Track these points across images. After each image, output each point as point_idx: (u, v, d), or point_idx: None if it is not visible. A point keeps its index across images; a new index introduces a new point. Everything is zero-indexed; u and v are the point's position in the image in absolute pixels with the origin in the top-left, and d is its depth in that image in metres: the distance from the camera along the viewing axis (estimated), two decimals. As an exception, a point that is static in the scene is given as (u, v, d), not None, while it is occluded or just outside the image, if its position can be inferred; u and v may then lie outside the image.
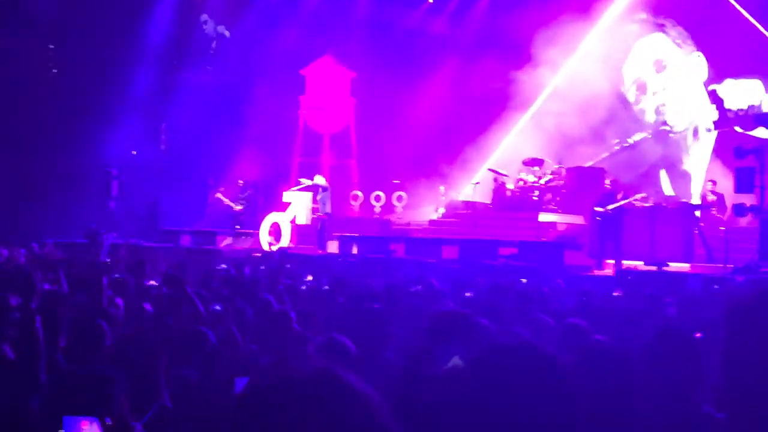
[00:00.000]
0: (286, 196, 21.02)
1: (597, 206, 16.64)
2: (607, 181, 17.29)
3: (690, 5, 21.92)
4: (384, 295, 7.72)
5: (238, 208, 21.78)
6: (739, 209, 14.90)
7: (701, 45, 22.28)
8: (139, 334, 5.25)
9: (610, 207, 16.36)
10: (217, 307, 6.16)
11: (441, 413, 1.66)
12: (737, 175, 15.12)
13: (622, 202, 16.50)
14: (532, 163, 20.88)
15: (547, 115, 22.83)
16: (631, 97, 23.25)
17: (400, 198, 24.72)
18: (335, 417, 1.43)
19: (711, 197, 18.91)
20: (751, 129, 19.28)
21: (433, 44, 24.64)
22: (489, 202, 21.58)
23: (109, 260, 13.85)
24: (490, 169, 21.83)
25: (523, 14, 22.57)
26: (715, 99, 21.63)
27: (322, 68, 26.50)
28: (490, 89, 22.98)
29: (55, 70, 25.07)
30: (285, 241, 20.11)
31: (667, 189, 21.86)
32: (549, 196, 20.45)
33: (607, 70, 22.77)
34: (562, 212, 20.27)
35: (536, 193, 20.39)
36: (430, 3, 25.87)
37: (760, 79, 21.05)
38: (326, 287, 9.78)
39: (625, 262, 15.74)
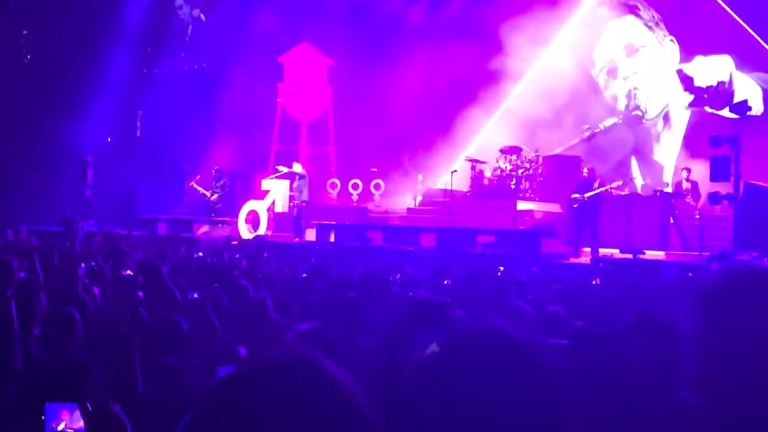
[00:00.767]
0: (264, 183, 20.96)
1: (574, 194, 16.72)
2: (585, 170, 17.35)
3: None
4: (361, 283, 7.71)
5: (213, 197, 21.70)
6: (714, 197, 15.00)
7: (673, 29, 22.36)
8: (113, 322, 5.22)
9: (587, 195, 16.44)
10: (195, 295, 6.13)
11: (417, 400, 1.66)
12: (712, 164, 15.21)
13: (599, 190, 16.58)
14: (510, 151, 20.91)
15: (524, 102, 22.90)
16: (601, 82, 23.21)
17: (377, 186, 24.70)
18: (314, 404, 1.42)
19: (686, 185, 19.04)
20: (722, 109, 19.42)
21: (411, 32, 24.59)
22: (467, 190, 21.61)
23: (83, 248, 13.74)
24: (468, 158, 21.84)
25: (500, 2, 22.60)
26: (684, 78, 21.72)
27: (299, 55, 26.38)
28: (467, 77, 22.99)
29: (29, 57, 24.82)
30: (262, 229, 20.06)
31: (638, 177, 21.94)
32: (526, 184, 20.51)
33: (582, 57, 22.87)
34: (539, 200, 20.35)
35: (513, 181, 20.44)
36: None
37: (730, 55, 21.13)
38: (304, 275, 9.76)
39: (602, 250, 15.84)
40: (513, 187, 20.38)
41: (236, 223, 20.48)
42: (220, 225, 20.99)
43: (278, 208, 20.58)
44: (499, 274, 9.94)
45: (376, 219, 22.45)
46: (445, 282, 8.25)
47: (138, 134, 26.31)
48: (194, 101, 24.74)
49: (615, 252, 15.47)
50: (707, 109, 20.82)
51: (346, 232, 18.67)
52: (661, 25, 22.50)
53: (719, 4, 21.17)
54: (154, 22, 25.86)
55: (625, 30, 23.04)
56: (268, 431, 1.39)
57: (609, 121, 21.89)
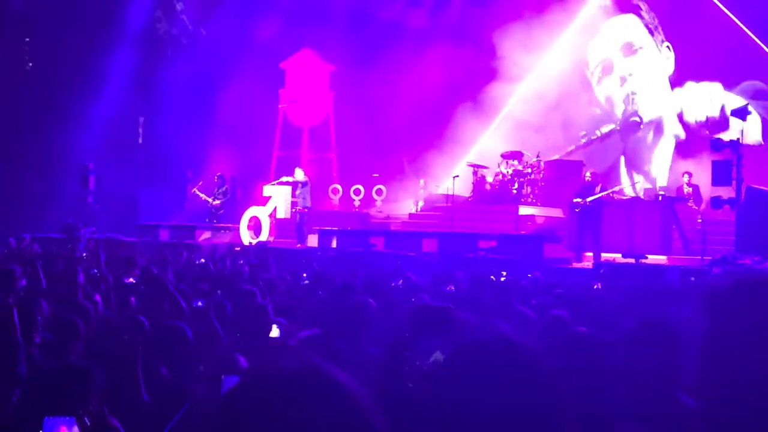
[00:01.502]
0: (266, 189, 20.96)
1: (576, 199, 16.71)
2: (588, 174, 17.34)
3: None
4: (363, 289, 7.71)
5: (216, 203, 21.70)
6: (716, 202, 14.98)
7: (670, 36, 22.29)
8: (115, 329, 5.22)
9: (589, 199, 16.43)
10: (200, 303, 6.13)
11: (423, 407, 1.66)
12: (714, 168, 15.19)
13: (601, 194, 16.57)
14: (511, 156, 20.91)
15: (525, 107, 22.92)
16: (594, 79, 23.11)
17: (379, 191, 24.71)
18: (320, 411, 1.43)
19: (687, 189, 19.03)
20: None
21: (412, 38, 24.61)
22: (468, 195, 21.61)
23: (86, 255, 13.75)
24: (469, 163, 21.84)
25: (501, 7, 22.64)
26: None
27: (301, 61, 26.41)
28: (468, 82, 23.02)
29: (31, 64, 24.86)
30: (264, 235, 20.05)
31: (627, 185, 21.76)
32: (528, 189, 20.50)
33: (582, 61, 22.87)
34: (541, 205, 20.35)
35: (515, 186, 20.43)
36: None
37: (720, 82, 20.94)
38: (306, 281, 9.76)
39: (604, 255, 15.82)
40: (515, 192, 20.37)
41: (238, 229, 20.48)
42: (222, 231, 20.98)
43: (280, 214, 20.57)
44: (501, 279, 9.94)
45: (378, 224, 22.46)
46: (448, 288, 8.24)
47: (140, 140, 26.35)
48: (196, 107, 24.76)
49: (617, 256, 15.44)
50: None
51: (349, 238, 18.66)
52: (660, 30, 22.41)
53: (721, 11, 21.02)
54: (156, 27, 25.93)
55: (625, 28, 22.94)
56: None
57: (606, 128, 21.78)
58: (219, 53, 25.47)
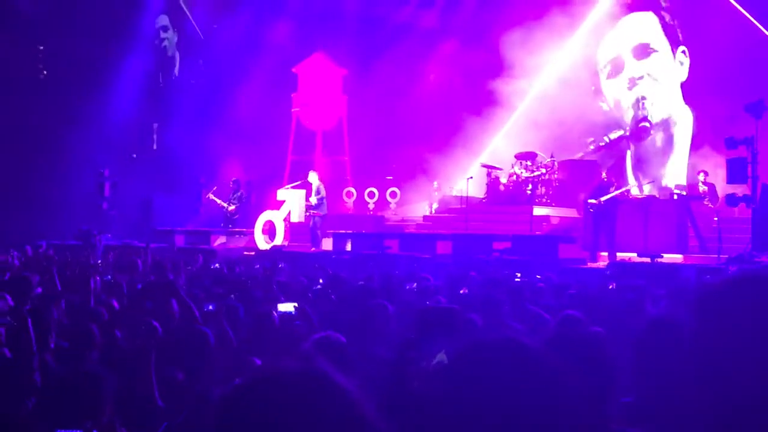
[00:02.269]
0: (280, 193, 21.00)
1: (590, 198, 16.65)
2: (603, 173, 17.28)
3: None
4: (378, 292, 7.71)
5: (231, 208, 21.76)
6: (732, 199, 14.92)
7: (688, 40, 21.89)
8: (128, 335, 5.24)
9: (603, 199, 16.37)
10: (210, 307, 6.15)
11: (427, 409, 1.66)
12: (729, 166, 15.13)
13: (615, 193, 16.51)
14: (525, 156, 20.87)
15: (538, 108, 22.85)
16: (603, 75, 22.90)
17: (393, 194, 24.71)
18: (320, 415, 1.43)
19: (702, 188, 18.93)
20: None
21: (424, 40, 24.62)
22: (482, 196, 21.58)
23: (101, 261, 13.81)
24: (483, 164, 21.82)
25: (512, 7, 22.59)
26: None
27: (313, 66, 26.45)
28: (481, 83, 22.98)
29: (45, 72, 25.02)
30: (279, 239, 20.09)
31: (632, 181, 21.60)
32: (542, 189, 20.45)
33: (595, 61, 22.79)
34: (555, 205, 20.30)
35: (529, 186, 20.39)
36: (421, -2, 25.87)
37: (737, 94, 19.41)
38: (320, 285, 9.77)
39: (619, 254, 15.76)
40: (529, 192, 20.33)
41: (253, 233, 20.52)
42: (237, 236, 21.03)
43: (294, 218, 20.59)
44: (516, 280, 9.91)
45: (393, 227, 22.47)
46: (462, 291, 8.23)
47: (154, 146, 26.46)
48: (209, 113, 24.87)
49: (633, 256, 15.38)
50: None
51: (363, 241, 18.66)
52: (679, 32, 22.02)
53: (743, 17, 20.57)
54: (172, 29, 26.11)
55: (642, 27, 22.53)
56: None
57: (615, 134, 21.45)
58: (232, 58, 25.56)
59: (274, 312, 5.92)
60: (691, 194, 18.78)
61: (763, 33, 20.31)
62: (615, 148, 21.50)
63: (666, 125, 22.05)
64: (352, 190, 25.28)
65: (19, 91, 23.60)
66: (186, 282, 8.00)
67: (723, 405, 1.68)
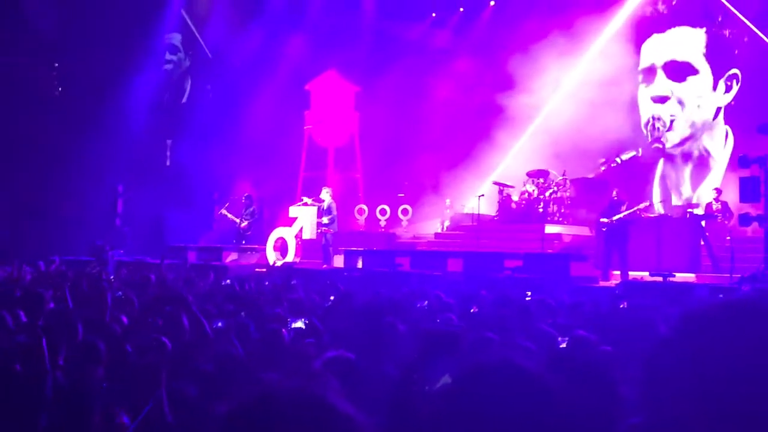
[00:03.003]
0: (292, 210, 21.06)
1: (602, 217, 16.61)
2: (614, 192, 17.24)
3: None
4: (389, 310, 7.70)
5: (244, 224, 21.82)
6: (745, 219, 14.87)
7: (742, 61, 21.10)
8: (140, 351, 5.26)
9: (616, 217, 16.34)
10: (219, 324, 6.16)
11: (430, 430, 1.67)
12: (742, 185, 15.08)
13: (627, 212, 16.47)
14: (537, 174, 20.87)
15: (551, 126, 22.83)
16: (639, 77, 22.64)
17: (405, 211, 24.74)
18: None
19: (716, 206, 18.85)
20: None
21: (436, 58, 24.71)
22: (494, 214, 21.57)
23: (113, 277, 13.86)
24: (495, 182, 21.82)
25: (526, 26, 22.64)
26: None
27: (326, 83, 26.57)
28: (493, 101, 23.01)
29: (60, 89, 25.21)
30: (291, 256, 20.12)
31: (656, 197, 21.50)
32: (554, 207, 20.42)
33: (610, 78, 22.69)
34: (567, 224, 20.26)
35: (541, 204, 20.37)
36: (434, 16, 25.97)
37: None
38: (331, 302, 9.76)
39: (632, 273, 15.70)
40: (541, 210, 20.31)
41: (265, 250, 20.57)
42: (249, 252, 21.07)
43: (306, 235, 20.64)
44: (527, 299, 9.89)
45: (404, 244, 22.48)
46: (472, 310, 8.21)
47: (167, 163, 26.59)
48: (222, 129, 24.99)
49: (645, 275, 15.32)
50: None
51: (374, 258, 18.67)
52: (735, 53, 21.11)
53: None
54: (188, 44, 26.30)
55: (685, 44, 21.92)
56: None
57: (627, 155, 21.20)
58: (245, 75, 25.70)
59: (284, 329, 5.92)
60: (705, 213, 18.70)
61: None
62: (629, 170, 21.30)
63: (690, 150, 21.78)
64: (364, 207, 25.32)
65: (35, 107, 23.80)
66: (196, 298, 8.01)
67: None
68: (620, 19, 22.99)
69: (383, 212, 24.94)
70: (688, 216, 18.41)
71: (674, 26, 22.29)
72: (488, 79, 23.17)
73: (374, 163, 25.61)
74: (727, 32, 21.27)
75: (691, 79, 21.82)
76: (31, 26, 23.00)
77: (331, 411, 1.47)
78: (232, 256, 20.85)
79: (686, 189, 21.71)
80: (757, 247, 15.34)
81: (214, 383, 4.69)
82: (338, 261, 19.53)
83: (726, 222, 18.29)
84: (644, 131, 22.26)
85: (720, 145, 21.29)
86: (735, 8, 20.85)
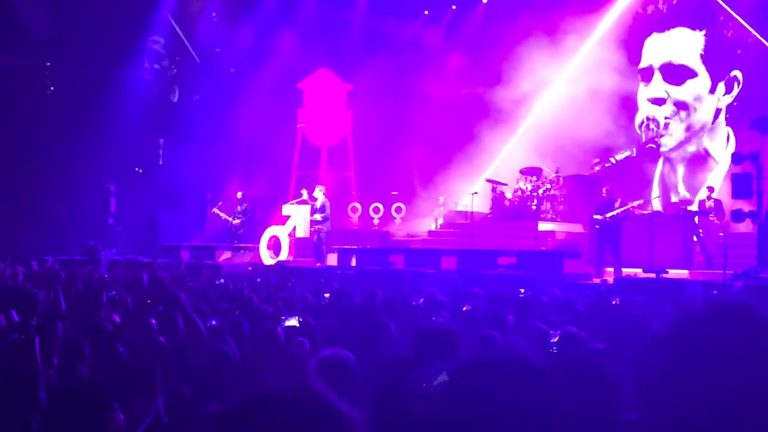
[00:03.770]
0: (285, 209, 21.04)
1: (595, 214, 16.64)
2: (604, 190, 17.26)
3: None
4: (383, 308, 7.71)
5: (236, 222, 21.78)
6: (737, 215, 14.90)
7: (739, 63, 21.07)
8: (135, 351, 5.25)
9: (609, 215, 16.36)
10: (213, 322, 6.16)
11: (428, 429, 1.67)
12: (734, 181, 15.14)
13: (620, 209, 16.49)
14: (530, 172, 20.89)
15: (544, 123, 22.87)
16: (639, 75, 22.70)
17: (398, 209, 24.74)
18: None
19: (709, 203, 18.90)
20: None
21: (429, 56, 24.69)
22: (488, 212, 21.59)
23: (106, 276, 13.83)
24: (488, 180, 21.84)
25: (519, 24, 22.64)
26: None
27: (318, 81, 26.53)
28: (486, 99, 23.03)
29: (52, 88, 25.14)
30: (284, 255, 20.10)
31: (655, 192, 21.54)
32: (547, 204, 20.45)
33: (605, 76, 22.71)
34: (560, 221, 20.29)
35: (534, 202, 20.39)
36: (427, 14, 25.95)
37: None
38: (325, 300, 9.78)
39: (625, 270, 15.73)
40: (534, 208, 20.33)
41: (258, 249, 20.55)
42: (242, 251, 21.06)
43: (299, 234, 20.62)
44: (520, 295, 9.90)
45: (398, 242, 22.49)
46: (465, 308, 8.23)
47: (160, 162, 26.53)
48: (215, 128, 24.94)
49: (638, 271, 15.34)
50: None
51: (368, 256, 18.67)
52: (735, 57, 21.11)
53: None
54: (176, 50, 26.22)
55: (684, 46, 21.89)
56: None
57: (621, 155, 21.12)
58: (237, 74, 25.67)
59: (279, 327, 5.92)
60: (698, 210, 18.74)
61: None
62: (623, 169, 21.24)
63: (688, 152, 21.74)
64: (357, 205, 25.32)
65: (27, 107, 23.73)
66: (190, 297, 8.01)
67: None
68: (612, 17, 23.01)
69: (377, 210, 24.94)
70: (680, 213, 18.44)
71: (674, 27, 22.26)
72: (481, 77, 23.19)
73: (367, 161, 25.59)
74: (729, 33, 21.27)
75: (689, 82, 21.78)
76: (23, 26, 22.92)
77: (329, 409, 1.47)
78: (226, 255, 20.83)
79: (683, 190, 21.69)
80: (750, 244, 15.37)
81: (208, 382, 4.68)
82: (332, 259, 19.52)
83: (717, 221, 18.33)
84: (638, 131, 22.27)
85: (721, 146, 21.29)
86: (734, 11, 20.85)
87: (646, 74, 22.49)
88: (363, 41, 25.21)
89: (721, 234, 17.30)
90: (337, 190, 24.69)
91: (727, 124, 21.30)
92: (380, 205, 24.93)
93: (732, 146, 20.91)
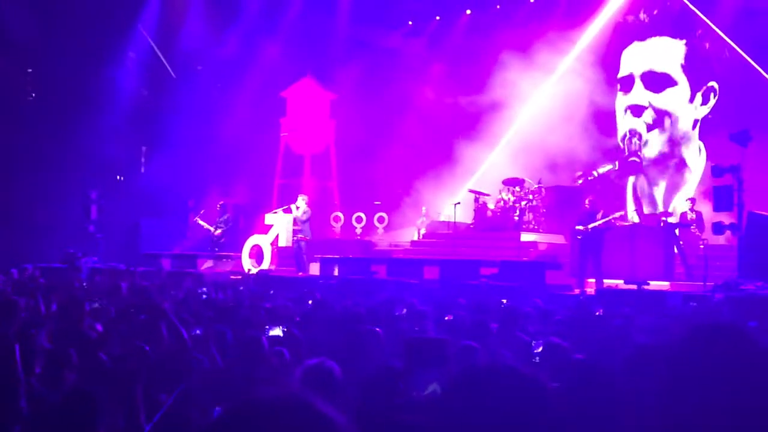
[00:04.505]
0: (268, 218, 20.99)
1: (577, 225, 16.69)
2: (587, 201, 17.32)
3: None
4: (366, 318, 7.70)
5: (218, 232, 21.71)
6: (718, 227, 14.98)
7: (716, 74, 21.15)
8: (117, 359, 5.22)
9: (591, 226, 16.41)
10: (197, 331, 6.13)
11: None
12: (715, 194, 15.22)
13: (602, 221, 16.55)
14: (512, 182, 20.94)
15: (526, 134, 22.95)
16: (618, 85, 22.85)
17: (381, 219, 24.75)
18: None
19: (690, 215, 19.00)
20: None
21: (412, 66, 24.75)
22: (470, 222, 21.62)
23: (86, 284, 13.75)
24: (470, 190, 21.89)
25: (502, 34, 22.76)
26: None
27: (302, 90, 26.55)
28: (469, 109, 23.10)
29: (34, 95, 25.01)
30: (266, 264, 20.05)
31: (630, 206, 21.66)
32: (529, 215, 20.50)
33: (587, 87, 22.85)
34: (542, 232, 20.34)
35: (517, 212, 20.44)
36: (410, 25, 26.03)
37: None
38: (308, 310, 9.74)
39: (606, 281, 15.78)
40: (516, 218, 20.38)
41: (240, 257, 20.49)
42: (224, 260, 20.98)
43: (282, 243, 20.58)
44: (502, 306, 9.91)
45: (380, 252, 22.47)
46: (446, 318, 8.23)
47: (142, 170, 26.43)
48: (197, 136, 24.87)
49: (619, 283, 15.40)
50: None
51: (351, 266, 18.65)
52: (711, 67, 21.15)
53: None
54: (158, 56, 26.17)
55: (664, 55, 21.94)
56: None
57: (603, 168, 21.08)
58: (220, 83, 25.63)
59: (263, 336, 5.90)
60: (679, 222, 18.84)
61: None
62: (604, 182, 21.29)
63: (666, 162, 21.92)
64: (340, 214, 25.31)
65: (7, 113, 23.58)
66: (172, 306, 7.97)
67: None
68: (594, 30, 23.14)
69: (359, 220, 24.94)
70: (662, 225, 18.53)
71: (655, 35, 22.38)
72: (464, 87, 23.28)
73: (350, 170, 25.60)
74: (706, 45, 21.42)
75: (669, 90, 21.88)
76: (3, 32, 22.78)
77: (319, 416, 1.47)
78: (207, 264, 20.74)
79: (660, 199, 21.81)
80: (731, 255, 15.47)
81: (192, 392, 4.66)
82: (314, 269, 19.49)
83: (698, 233, 18.44)
84: (621, 144, 22.38)
85: (695, 155, 21.46)
86: (713, 22, 21.00)
87: (627, 83, 22.59)
88: (346, 51, 25.26)
89: (702, 245, 17.40)
90: (319, 199, 24.67)
91: (700, 137, 21.47)
92: (363, 215, 24.93)
93: (704, 157, 21.12)
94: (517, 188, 20.79)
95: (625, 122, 22.45)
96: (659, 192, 21.94)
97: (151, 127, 25.70)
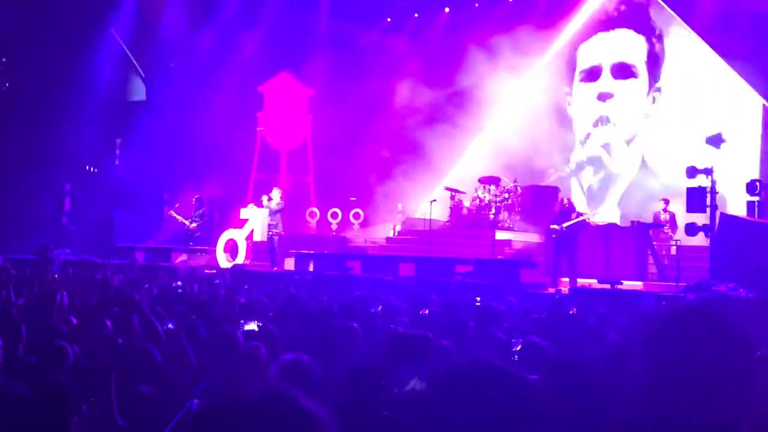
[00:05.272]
0: (243, 212, 20.90)
1: (553, 224, 16.78)
2: (565, 200, 17.42)
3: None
4: (340, 313, 7.69)
5: (193, 225, 21.59)
6: (691, 228, 15.12)
7: (665, 76, 21.76)
8: (90, 353, 5.17)
9: (566, 225, 16.50)
10: (170, 325, 6.09)
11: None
12: (689, 195, 15.36)
13: (577, 220, 16.65)
14: (488, 181, 21.00)
15: (502, 132, 23.04)
16: (578, 76, 22.91)
17: (357, 215, 24.72)
18: None
19: (664, 216, 19.15)
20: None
21: (390, 62, 24.72)
22: (446, 220, 21.66)
23: (58, 276, 13.62)
24: (446, 188, 21.92)
25: (480, 32, 22.81)
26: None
27: (279, 85, 26.47)
28: (446, 106, 23.13)
29: (7, 85, 24.75)
30: (241, 258, 19.97)
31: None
32: (505, 214, 20.58)
33: (562, 85, 22.96)
34: (517, 230, 20.42)
35: (492, 211, 20.51)
36: (389, 21, 26.01)
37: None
38: (282, 305, 9.71)
39: (580, 280, 15.88)
40: (492, 217, 20.44)
41: (214, 251, 20.39)
42: (198, 254, 20.87)
43: (257, 237, 20.49)
44: (477, 304, 9.93)
45: (356, 248, 22.46)
46: (421, 312, 8.23)
47: (116, 162, 26.23)
48: (173, 130, 24.71)
49: (593, 282, 15.50)
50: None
51: (326, 262, 18.63)
52: (661, 68, 21.85)
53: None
54: (136, 47, 25.97)
55: (630, 47, 22.32)
56: None
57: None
58: (197, 76, 25.47)
59: (238, 331, 5.88)
60: (652, 222, 18.98)
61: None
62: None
63: (619, 156, 22.26)
64: (316, 210, 25.25)
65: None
66: (146, 300, 7.92)
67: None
68: (572, 29, 23.27)
69: (335, 216, 24.90)
70: (635, 225, 18.65)
71: (620, 27, 22.72)
72: (441, 85, 23.27)
73: (326, 166, 25.53)
74: (657, 47, 21.79)
75: (632, 81, 22.32)
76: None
77: (301, 411, 1.46)
78: (182, 258, 20.62)
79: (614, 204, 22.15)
80: (703, 257, 15.63)
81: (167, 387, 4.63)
82: (289, 264, 19.44)
83: (671, 234, 18.59)
84: (591, 129, 22.57)
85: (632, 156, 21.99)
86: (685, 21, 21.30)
87: (594, 72, 22.80)
88: (325, 46, 25.20)
89: (673, 246, 17.56)
90: (295, 195, 24.62)
91: (642, 134, 22.09)
92: (338, 211, 24.90)
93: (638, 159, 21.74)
94: (493, 187, 20.85)
95: (597, 108, 22.58)
96: (620, 195, 22.22)
97: (126, 119, 25.50)
